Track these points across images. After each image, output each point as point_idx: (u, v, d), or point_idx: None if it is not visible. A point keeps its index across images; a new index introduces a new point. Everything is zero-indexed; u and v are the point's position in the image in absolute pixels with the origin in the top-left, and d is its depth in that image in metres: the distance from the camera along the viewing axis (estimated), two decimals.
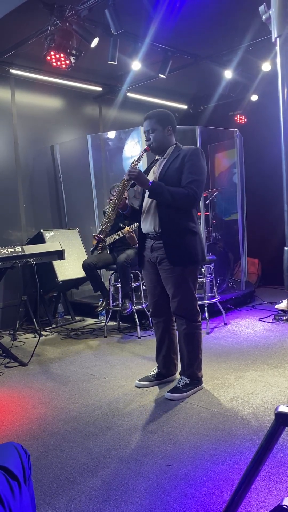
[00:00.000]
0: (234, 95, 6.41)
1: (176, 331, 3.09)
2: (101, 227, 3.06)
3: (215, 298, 4.66)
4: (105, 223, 3.03)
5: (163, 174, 2.86)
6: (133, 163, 2.93)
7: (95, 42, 4.23)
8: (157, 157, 3.03)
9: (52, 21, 4.08)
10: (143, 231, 3.01)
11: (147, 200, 2.94)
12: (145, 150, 2.98)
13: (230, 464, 2.08)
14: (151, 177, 2.94)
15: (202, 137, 5.12)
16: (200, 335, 2.98)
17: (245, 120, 6.86)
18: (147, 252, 3.01)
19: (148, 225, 2.94)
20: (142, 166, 4.16)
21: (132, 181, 2.84)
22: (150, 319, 4.55)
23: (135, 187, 3.11)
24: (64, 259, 4.27)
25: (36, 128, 5.72)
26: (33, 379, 3.46)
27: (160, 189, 2.75)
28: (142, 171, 2.93)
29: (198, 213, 5.36)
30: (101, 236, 2.97)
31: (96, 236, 3.03)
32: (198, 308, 2.97)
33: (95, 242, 3.26)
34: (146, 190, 2.89)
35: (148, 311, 4.32)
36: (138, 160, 2.96)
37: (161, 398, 2.91)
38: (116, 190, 3.03)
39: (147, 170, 3.07)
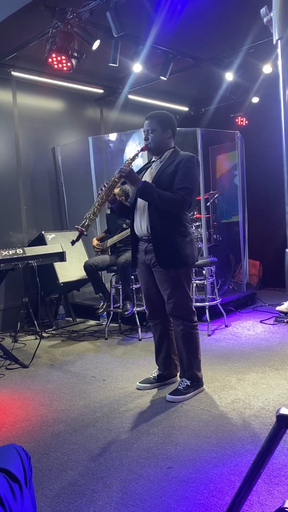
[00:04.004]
0: (235, 97, 6.41)
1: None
2: (85, 220, 2.95)
3: (216, 300, 4.65)
4: (90, 217, 2.97)
5: (157, 177, 2.86)
6: (127, 161, 2.92)
7: (96, 44, 4.24)
8: (153, 158, 3.02)
9: (54, 24, 4.09)
10: (136, 234, 3.00)
11: (140, 202, 2.93)
12: (142, 150, 2.95)
13: (231, 466, 2.08)
14: (146, 177, 2.93)
15: (203, 139, 5.13)
16: (198, 335, 2.98)
17: (246, 122, 6.86)
18: (140, 254, 3.01)
19: (140, 228, 2.94)
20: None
21: (123, 179, 2.83)
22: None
23: (126, 186, 3.09)
24: (65, 261, 4.28)
25: (37, 130, 5.74)
26: (34, 381, 3.46)
27: (150, 189, 2.76)
28: (136, 170, 2.91)
29: (199, 215, 5.40)
30: (84, 229, 2.94)
31: (79, 228, 2.97)
32: (194, 309, 2.97)
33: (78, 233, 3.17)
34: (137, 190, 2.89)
35: None
36: (133, 158, 2.95)
37: (162, 400, 2.90)
38: (106, 185, 2.98)
39: (142, 170, 3.06)
